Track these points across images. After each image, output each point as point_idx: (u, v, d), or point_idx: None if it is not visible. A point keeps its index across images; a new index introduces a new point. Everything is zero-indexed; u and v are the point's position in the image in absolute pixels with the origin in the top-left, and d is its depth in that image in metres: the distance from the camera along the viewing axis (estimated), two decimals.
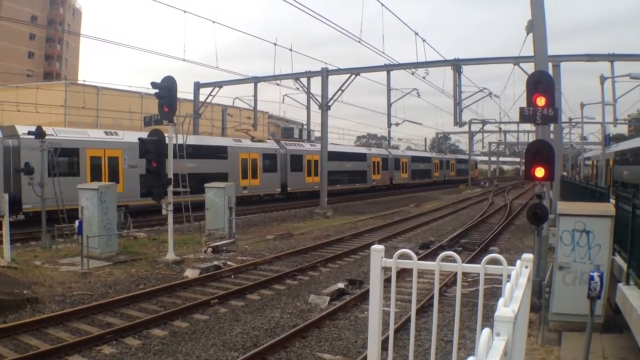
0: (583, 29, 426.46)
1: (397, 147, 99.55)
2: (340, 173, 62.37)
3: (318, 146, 53.65)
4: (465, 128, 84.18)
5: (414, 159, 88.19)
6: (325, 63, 43.57)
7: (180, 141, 24.70)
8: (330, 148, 52.74)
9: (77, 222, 20.51)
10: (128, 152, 36.04)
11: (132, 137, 34.54)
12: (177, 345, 12.03)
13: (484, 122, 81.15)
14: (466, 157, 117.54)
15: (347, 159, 65.75)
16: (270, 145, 53.70)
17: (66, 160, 33.58)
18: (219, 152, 45.77)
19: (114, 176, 35.30)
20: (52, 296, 15.77)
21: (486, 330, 2.32)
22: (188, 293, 16.87)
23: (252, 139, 50.39)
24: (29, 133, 25.16)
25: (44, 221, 23.69)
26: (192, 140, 40.82)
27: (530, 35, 17.60)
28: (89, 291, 16.56)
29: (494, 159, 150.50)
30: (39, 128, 24.47)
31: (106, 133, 37.82)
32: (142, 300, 15.76)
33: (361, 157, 70.68)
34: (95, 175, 34.29)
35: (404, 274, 16.25)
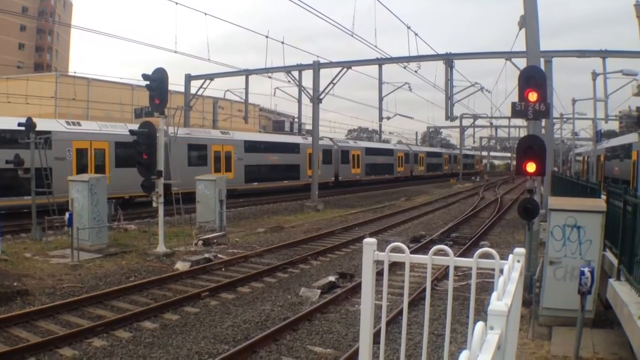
0: (575, 25, 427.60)
1: (388, 141, 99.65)
2: (375, 165, 75.33)
3: (360, 143, 78.83)
4: (457, 122, 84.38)
5: (429, 154, 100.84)
6: (318, 56, 43.53)
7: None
8: (368, 145, 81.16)
9: (67, 214, 20.46)
10: (237, 148, 47.71)
11: (242, 136, 50.31)
12: (168, 337, 12.02)
13: (475, 117, 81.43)
14: (471, 153, 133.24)
15: (380, 154, 79.65)
16: (327, 142, 63.88)
17: (196, 154, 43.31)
18: (294, 148, 57.70)
19: (228, 166, 46.34)
20: (42, 288, 15.73)
21: (480, 324, 2.32)
22: (179, 286, 16.86)
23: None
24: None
25: (34, 213, 23.61)
26: (275, 138, 61.06)
27: (523, 30, 17.61)
28: (79, 283, 16.53)
29: (484, 153, 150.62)
30: (29, 120, 24.34)
31: (222, 133, 48.16)
32: (133, 293, 15.74)
33: (389, 152, 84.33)
34: (217, 166, 44.81)
35: (394, 267, 16.26)
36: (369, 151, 74.51)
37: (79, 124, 35.37)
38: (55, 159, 30.71)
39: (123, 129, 34.60)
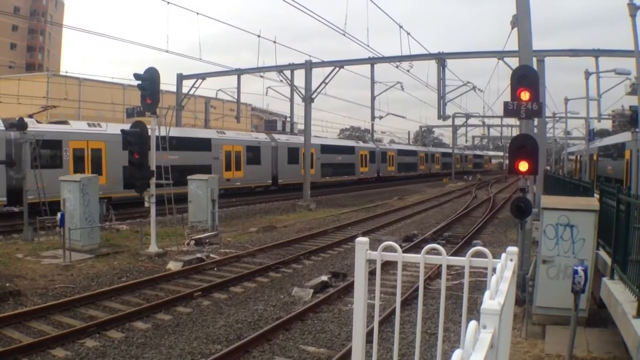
0: (568, 25, 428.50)
1: (380, 140, 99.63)
2: (404, 164, 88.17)
3: (394, 145, 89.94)
4: (449, 122, 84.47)
5: (444, 155, 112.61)
6: (310, 56, 43.51)
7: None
8: (399, 147, 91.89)
9: (59, 215, 20.39)
10: (317, 150, 59.68)
11: (320, 140, 65.84)
12: (160, 338, 11.99)
13: (467, 116, 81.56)
14: (477, 152, 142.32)
15: (405, 155, 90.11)
16: (370, 145, 79.57)
17: (292, 155, 56.56)
18: (352, 151, 71.60)
19: (312, 164, 54.84)
20: (34, 289, 15.67)
21: (473, 323, 2.30)
22: (171, 286, 16.82)
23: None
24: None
25: (25, 214, 23.55)
26: (341, 142, 79.21)
27: (515, 29, 17.61)
28: (71, 284, 16.47)
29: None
30: (20, 120, 24.25)
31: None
32: (125, 293, 15.69)
33: (414, 153, 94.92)
34: (305, 163, 52.66)
35: (387, 266, 16.24)
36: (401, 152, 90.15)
37: (223, 133, 49.36)
38: (214, 159, 45.23)
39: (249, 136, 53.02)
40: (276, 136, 57.38)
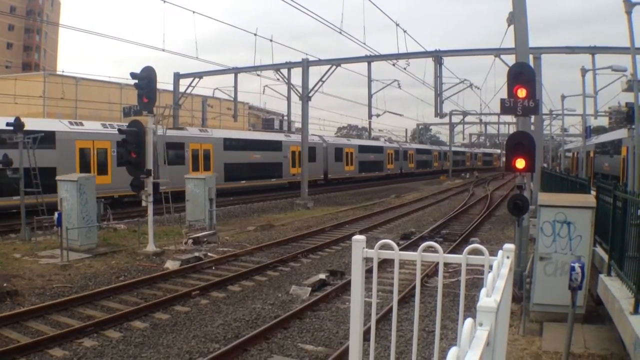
0: (564, 23, 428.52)
1: (377, 139, 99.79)
2: (422, 162, 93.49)
3: (413, 145, 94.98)
4: (446, 119, 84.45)
5: (455, 153, 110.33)
6: (306, 54, 43.48)
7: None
8: (418, 146, 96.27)
9: (56, 214, 20.37)
10: (355, 150, 71.39)
11: (358, 142, 77.73)
12: (158, 337, 11.98)
13: (464, 114, 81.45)
14: (486, 150, 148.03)
15: (422, 153, 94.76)
16: (380, 143, 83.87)
17: (338, 154, 66.05)
18: (380, 150, 78.95)
19: (351, 162, 70.18)
20: (31, 289, 15.66)
21: (469, 321, 2.30)
22: (169, 285, 16.81)
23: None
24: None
25: (22, 214, 23.51)
26: (370, 142, 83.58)
27: (512, 27, 17.62)
28: (69, 283, 16.46)
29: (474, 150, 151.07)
30: (17, 119, 24.21)
31: (347, 140, 71.48)
32: (123, 293, 15.69)
33: (429, 152, 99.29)
34: (347, 161, 69.36)
35: (385, 264, 16.28)
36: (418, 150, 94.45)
37: (289, 136, 58.50)
38: (283, 157, 54.54)
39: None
40: (325, 138, 66.09)
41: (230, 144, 48.51)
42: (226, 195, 42.41)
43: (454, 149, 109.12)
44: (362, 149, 74.53)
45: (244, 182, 49.14)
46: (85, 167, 33.47)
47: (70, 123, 34.85)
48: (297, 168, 57.81)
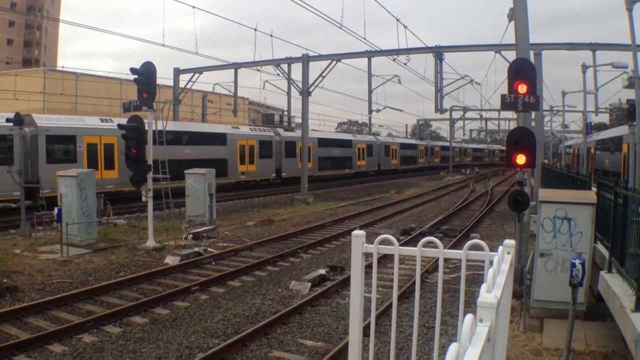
0: (565, 20, 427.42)
1: (378, 134, 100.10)
2: (445, 157, 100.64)
3: (438, 143, 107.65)
4: (446, 115, 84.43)
5: (475, 150, 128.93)
6: (307, 49, 43.47)
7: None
8: (440, 143, 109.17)
9: (56, 210, 20.36)
10: (376, 146, 78.35)
11: (385, 139, 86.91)
12: (158, 332, 11.97)
13: (465, 109, 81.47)
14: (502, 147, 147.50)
15: (443, 150, 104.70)
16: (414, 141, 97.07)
17: (363, 151, 72.83)
18: (414, 147, 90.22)
19: (367, 155, 75.20)
20: (31, 284, 15.65)
21: (469, 316, 2.28)
22: (168, 280, 16.81)
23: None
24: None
25: (22, 209, 23.50)
26: (403, 140, 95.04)
27: (512, 23, 17.59)
28: (68, 279, 16.45)
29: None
30: (17, 115, 24.19)
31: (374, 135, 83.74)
32: (123, 288, 15.68)
33: (447, 148, 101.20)
34: (360, 156, 72.43)
35: (385, 260, 16.28)
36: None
37: (355, 136, 74.17)
38: (353, 153, 66.78)
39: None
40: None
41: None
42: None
43: (442, 144, 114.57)
44: (404, 146, 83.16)
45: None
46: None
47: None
48: (362, 161, 72.95)
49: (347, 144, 70.39)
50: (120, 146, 33.17)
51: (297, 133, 57.62)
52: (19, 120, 23.89)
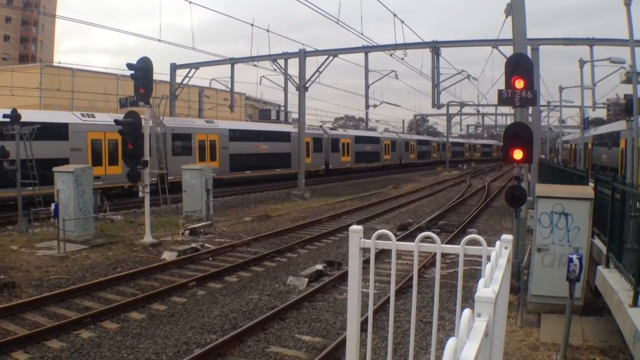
0: (563, 16, 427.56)
1: (375, 129, 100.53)
2: (457, 152, 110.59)
3: (458, 139, 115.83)
4: (444, 110, 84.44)
5: (484, 145, 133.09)
6: (304, 44, 43.53)
7: None
8: (456, 140, 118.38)
9: (53, 206, 20.33)
10: (399, 143, 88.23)
11: (405, 137, 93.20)
12: (155, 328, 11.97)
13: (462, 105, 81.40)
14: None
15: (456, 146, 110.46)
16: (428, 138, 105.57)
17: (389, 147, 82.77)
18: (428, 143, 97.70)
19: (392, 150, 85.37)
20: (29, 281, 15.63)
21: (467, 311, 2.28)
22: (166, 276, 16.80)
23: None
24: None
25: (20, 205, 23.46)
26: (418, 137, 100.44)
27: (509, 18, 17.60)
28: (66, 275, 16.43)
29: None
30: (14, 111, 24.14)
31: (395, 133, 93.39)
32: (120, 284, 15.67)
33: (461, 145, 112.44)
34: (385, 151, 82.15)
35: (382, 255, 16.27)
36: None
37: (382, 133, 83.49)
38: (380, 149, 77.56)
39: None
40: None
41: None
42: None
43: (454, 140, 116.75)
44: (420, 142, 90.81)
45: None
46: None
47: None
48: (388, 155, 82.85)
49: (376, 140, 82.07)
50: (221, 142, 46.61)
51: (340, 132, 74.20)
52: (15, 116, 23.81)
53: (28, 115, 27.33)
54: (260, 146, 52.59)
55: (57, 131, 32.32)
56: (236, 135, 49.45)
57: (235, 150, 48.31)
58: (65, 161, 29.05)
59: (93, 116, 35.78)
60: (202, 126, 46.34)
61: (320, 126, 72.96)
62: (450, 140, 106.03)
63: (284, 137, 56.75)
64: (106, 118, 34.89)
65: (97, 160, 33.94)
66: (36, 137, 24.44)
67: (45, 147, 28.99)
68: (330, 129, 71.86)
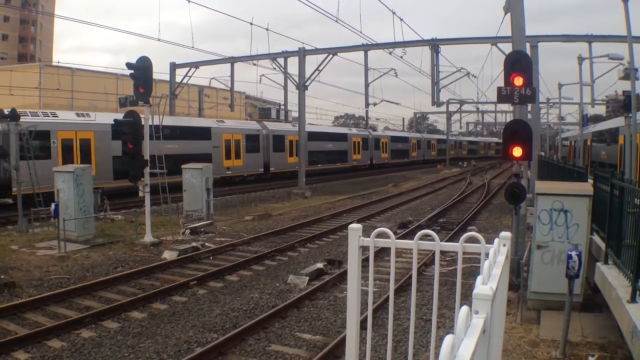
0: (561, 12, 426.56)
1: (375, 127, 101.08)
2: (472, 150, 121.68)
3: (468, 138, 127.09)
4: (443, 108, 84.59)
5: (497, 144, 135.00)
6: (303, 43, 43.48)
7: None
8: (469, 138, 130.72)
9: (53, 205, 20.34)
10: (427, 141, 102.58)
11: (415, 135, 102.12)
12: (156, 327, 11.99)
13: (461, 102, 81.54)
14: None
15: (472, 144, 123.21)
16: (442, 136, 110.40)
17: (398, 145, 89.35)
18: (442, 141, 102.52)
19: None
20: (29, 280, 15.65)
21: (464, 308, 2.30)
22: (166, 275, 16.82)
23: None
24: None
25: (20, 205, 23.46)
26: (436, 135, 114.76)
27: (508, 15, 17.59)
28: (66, 275, 16.45)
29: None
30: (13, 111, 24.15)
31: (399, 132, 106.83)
32: (120, 283, 15.68)
33: (476, 143, 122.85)
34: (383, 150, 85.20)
35: (382, 253, 16.28)
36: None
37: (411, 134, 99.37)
38: (410, 148, 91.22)
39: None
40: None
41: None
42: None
43: (468, 139, 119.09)
44: (394, 139, 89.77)
45: None
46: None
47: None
48: (414, 152, 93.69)
49: (405, 140, 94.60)
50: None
51: (380, 132, 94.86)
52: (14, 116, 23.82)
53: (181, 121, 43.12)
54: (326, 145, 65.10)
55: (203, 133, 44.59)
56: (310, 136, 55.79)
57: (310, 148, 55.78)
58: (208, 156, 41.48)
59: (223, 122, 49.10)
60: (290, 130, 56.43)
61: (365, 128, 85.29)
62: (462, 138, 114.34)
63: (344, 137, 70.73)
64: (235, 124, 50.03)
65: (228, 155, 47.34)
66: (188, 137, 36.78)
67: (195, 145, 41.46)
68: (373, 130, 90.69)
